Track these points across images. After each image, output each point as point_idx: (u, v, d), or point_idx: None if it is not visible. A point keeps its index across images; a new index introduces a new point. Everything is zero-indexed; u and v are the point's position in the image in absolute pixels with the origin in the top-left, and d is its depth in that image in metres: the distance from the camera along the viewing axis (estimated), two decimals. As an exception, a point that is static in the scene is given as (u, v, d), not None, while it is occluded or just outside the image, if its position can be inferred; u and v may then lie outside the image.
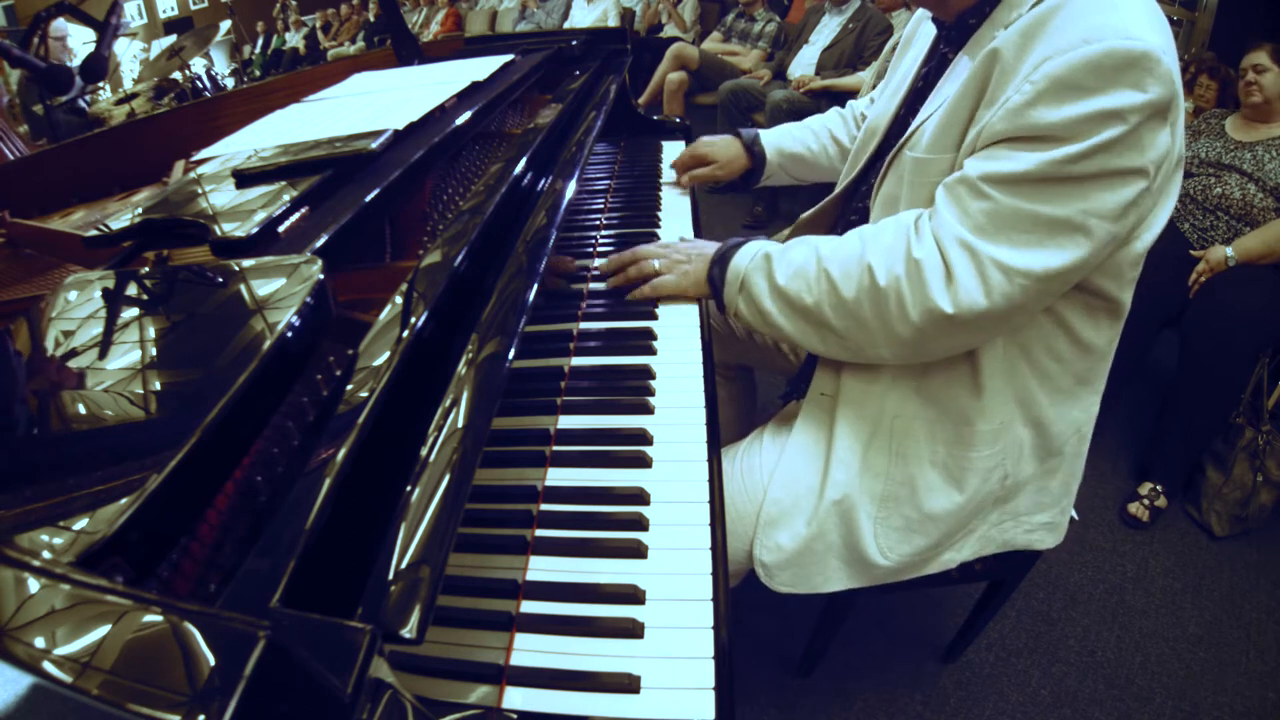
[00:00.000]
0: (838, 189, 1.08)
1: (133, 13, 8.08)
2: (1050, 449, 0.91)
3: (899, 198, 0.84)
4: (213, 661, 0.27)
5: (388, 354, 0.51)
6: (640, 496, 0.71)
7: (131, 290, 0.55)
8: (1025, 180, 0.69)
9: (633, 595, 0.62)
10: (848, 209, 1.06)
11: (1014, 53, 0.70)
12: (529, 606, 0.62)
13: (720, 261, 0.91)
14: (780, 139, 1.32)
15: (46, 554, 0.32)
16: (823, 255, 0.82)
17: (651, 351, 0.92)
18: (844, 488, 0.88)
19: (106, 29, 1.58)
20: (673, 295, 0.97)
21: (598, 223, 1.28)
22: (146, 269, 0.64)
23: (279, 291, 0.50)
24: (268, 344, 0.44)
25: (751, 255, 0.88)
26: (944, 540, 0.94)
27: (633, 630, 0.59)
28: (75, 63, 1.62)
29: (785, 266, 0.84)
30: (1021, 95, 0.68)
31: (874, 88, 1.30)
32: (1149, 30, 0.66)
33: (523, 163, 0.91)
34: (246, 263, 0.54)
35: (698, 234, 1.23)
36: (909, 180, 0.82)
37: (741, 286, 0.88)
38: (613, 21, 4.69)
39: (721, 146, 1.33)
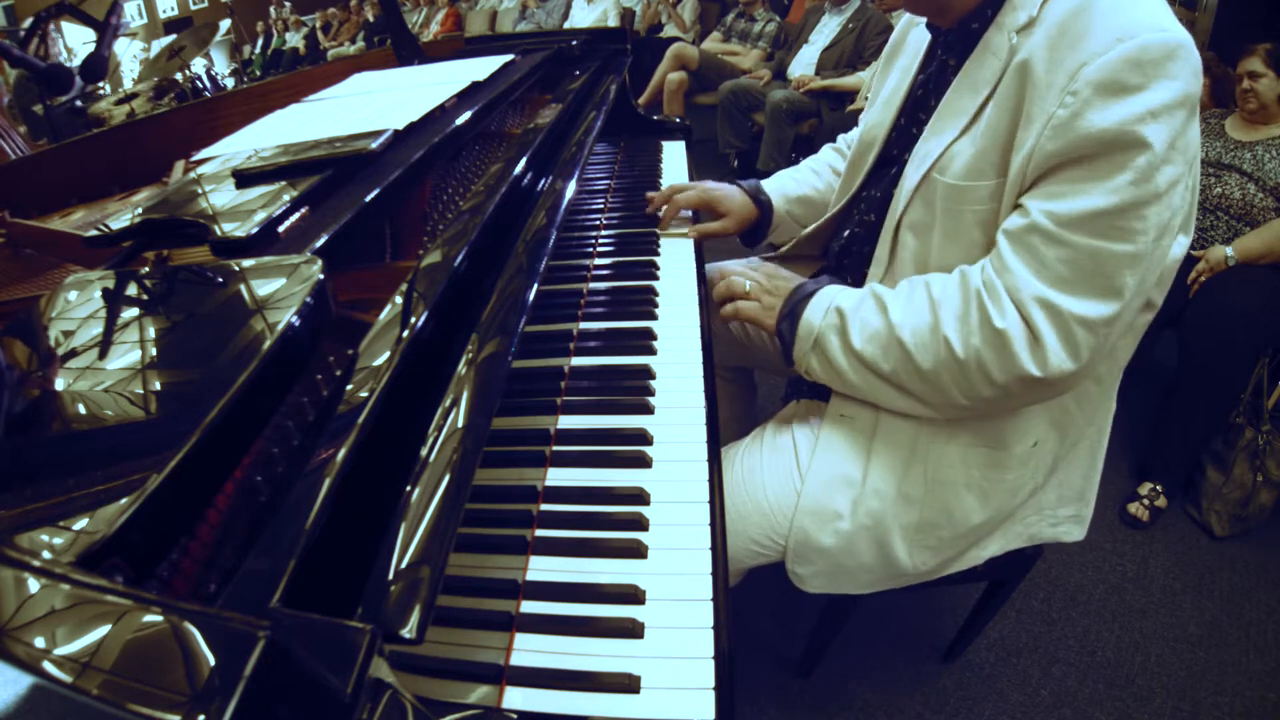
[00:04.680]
0: (835, 205, 1.07)
1: (133, 13, 8.08)
2: (1068, 446, 0.91)
3: (931, 225, 0.82)
4: (213, 661, 0.27)
5: (388, 354, 0.51)
6: (640, 496, 0.71)
7: (131, 290, 0.55)
8: (1103, 216, 0.67)
9: (633, 595, 0.62)
10: (847, 222, 1.05)
11: (1045, 66, 0.69)
12: (529, 606, 0.62)
13: (790, 316, 0.88)
14: (783, 185, 1.23)
15: (46, 554, 0.32)
16: (894, 322, 0.79)
17: (651, 351, 0.92)
18: (878, 515, 0.88)
19: (106, 29, 1.58)
20: (751, 321, 0.94)
21: (598, 223, 1.28)
22: (146, 269, 0.64)
23: (279, 291, 0.50)
24: (268, 344, 0.44)
25: (824, 311, 0.85)
26: (972, 546, 0.95)
27: (633, 630, 0.59)
28: (75, 63, 1.62)
29: (860, 328, 0.81)
30: (1066, 109, 0.67)
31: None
32: (1175, 21, 0.66)
33: (523, 163, 0.91)
34: (246, 263, 0.54)
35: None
36: (942, 207, 0.80)
37: (815, 344, 0.85)
38: (613, 21, 4.69)
39: (729, 195, 1.20)
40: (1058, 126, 0.67)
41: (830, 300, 0.85)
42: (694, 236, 1.19)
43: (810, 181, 1.23)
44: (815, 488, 0.90)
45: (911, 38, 0.96)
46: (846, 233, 1.04)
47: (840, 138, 1.28)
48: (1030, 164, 0.70)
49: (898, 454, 0.87)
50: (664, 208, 1.22)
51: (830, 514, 0.89)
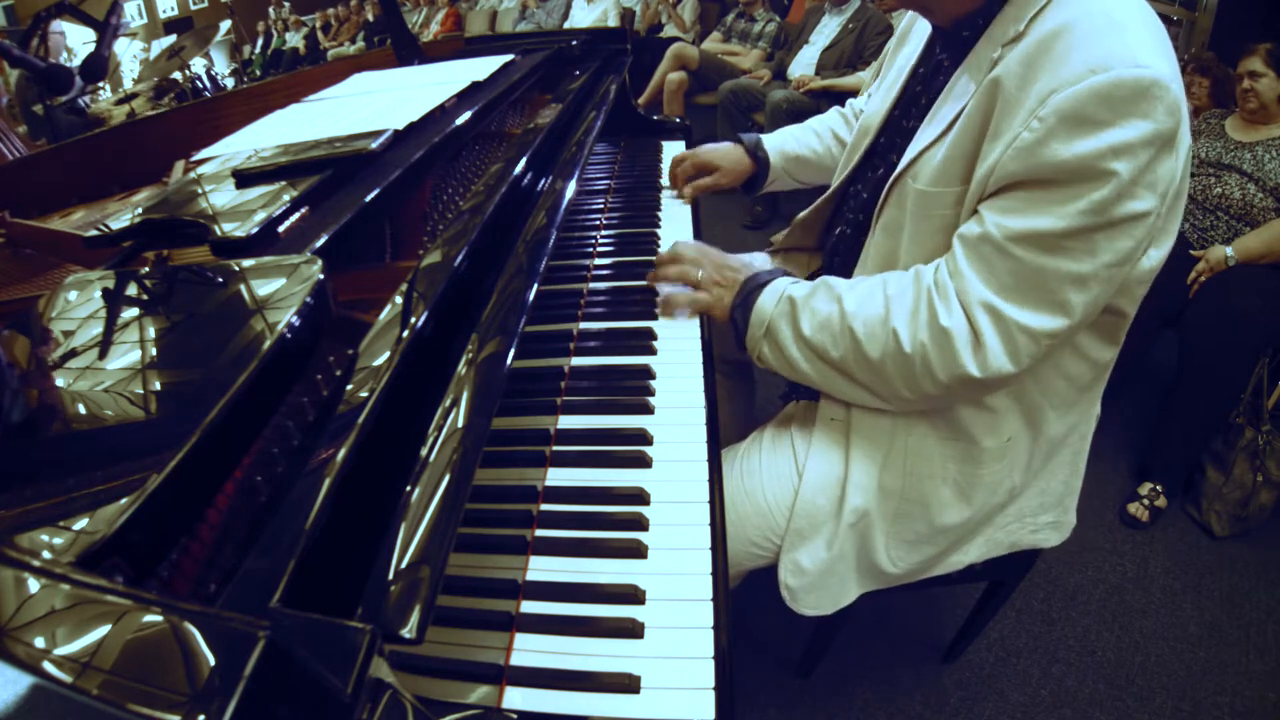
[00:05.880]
0: (831, 188, 1.08)
1: (133, 13, 8.07)
2: (1051, 452, 0.92)
3: (902, 227, 0.84)
4: (213, 661, 0.27)
5: (388, 354, 0.51)
6: (640, 496, 0.71)
7: (131, 290, 0.55)
8: (1050, 236, 0.68)
9: (633, 595, 0.62)
10: (841, 211, 1.06)
11: (1016, 83, 0.68)
12: (529, 606, 0.62)
13: (743, 305, 0.89)
14: (783, 142, 1.29)
15: (46, 554, 0.32)
16: (847, 311, 0.81)
17: (651, 351, 0.92)
18: (860, 512, 0.89)
19: (106, 29, 1.58)
20: (705, 312, 0.95)
21: (598, 223, 1.28)
22: (146, 269, 0.64)
23: (279, 291, 0.50)
24: (268, 344, 0.44)
25: (776, 299, 0.86)
26: (951, 547, 0.95)
27: (633, 630, 0.59)
28: (75, 63, 1.62)
29: (810, 316, 0.83)
30: (1031, 133, 0.66)
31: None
32: (1157, 56, 0.64)
33: (523, 163, 0.91)
34: (246, 263, 0.54)
35: (697, 234, 1.23)
36: (912, 211, 0.81)
37: (766, 332, 0.86)
38: (613, 21, 4.69)
39: (723, 153, 1.31)
40: (1021, 149, 0.67)
41: (782, 289, 0.87)
42: (690, 196, 1.32)
43: (809, 142, 1.30)
44: (810, 489, 0.90)
45: (918, 26, 0.97)
46: (838, 230, 1.05)
47: (849, 102, 1.31)
48: (991, 177, 0.71)
49: (876, 449, 0.88)
50: (679, 186, 1.35)
51: (824, 515, 0.89)
